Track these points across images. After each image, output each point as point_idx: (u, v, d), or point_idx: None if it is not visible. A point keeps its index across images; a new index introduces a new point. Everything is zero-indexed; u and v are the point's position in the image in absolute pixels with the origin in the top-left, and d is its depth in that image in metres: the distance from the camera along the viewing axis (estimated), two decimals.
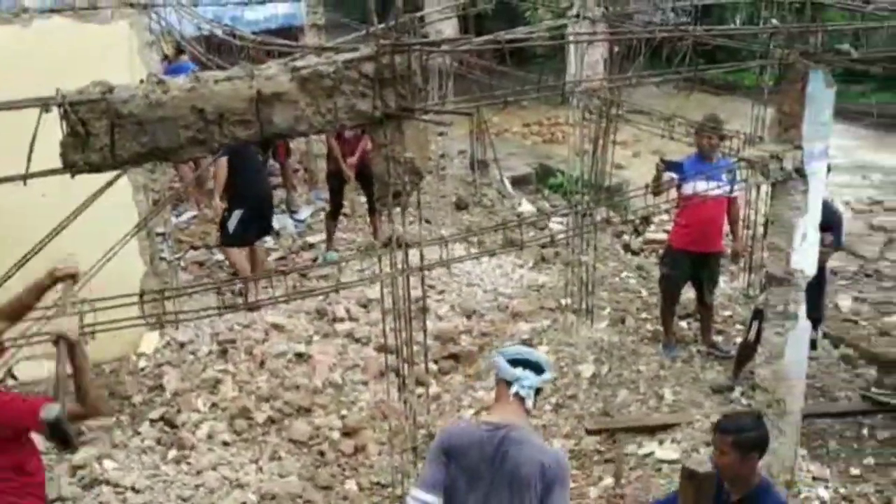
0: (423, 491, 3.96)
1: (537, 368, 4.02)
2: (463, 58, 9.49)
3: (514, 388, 3.98)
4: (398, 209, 4.69)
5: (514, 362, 4.03)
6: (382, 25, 4.19)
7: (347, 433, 7.32)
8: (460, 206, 11.91)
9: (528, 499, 3.83)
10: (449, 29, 9.55)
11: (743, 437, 4.35)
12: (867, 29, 6.23)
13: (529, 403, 4.01)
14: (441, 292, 9.30)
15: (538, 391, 4.06)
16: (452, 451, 3.96)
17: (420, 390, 7.17)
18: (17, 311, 4.56)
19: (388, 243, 4.65)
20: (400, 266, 4.88)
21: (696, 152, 8.11)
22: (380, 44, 4.13)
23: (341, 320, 8.75)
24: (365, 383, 8.01)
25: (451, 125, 12.29)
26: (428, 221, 10.78)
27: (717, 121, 8.13)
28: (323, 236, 10.51)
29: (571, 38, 7.22)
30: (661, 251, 10.41)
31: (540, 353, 4.31)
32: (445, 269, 9.35)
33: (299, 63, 4.10)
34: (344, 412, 7.58)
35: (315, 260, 10.19)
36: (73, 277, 4.56)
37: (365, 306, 8.95)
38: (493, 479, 3.88)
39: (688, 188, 7.70)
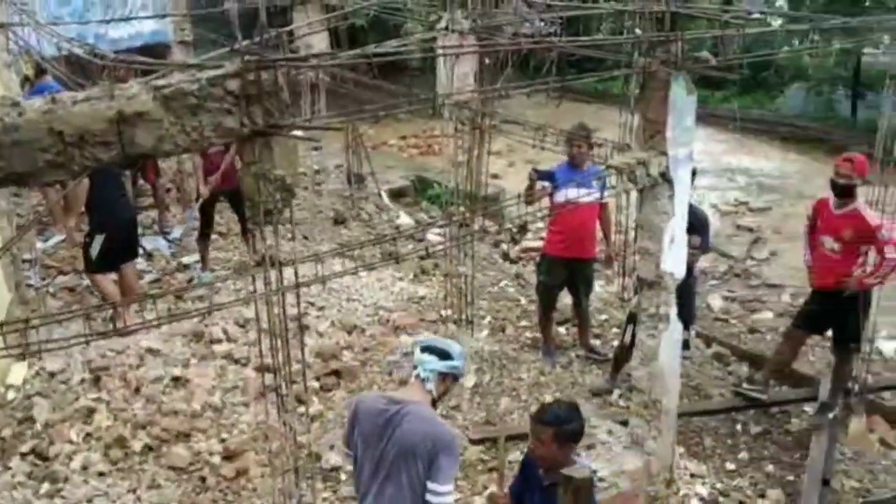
0: (344, 445, 4.62)
1: (442, 354, 4.38)
2: (335, 72, 9.42)
3: (416, 370, 4.42)
4: (271, 227, 4.61)
5: (424, 349, 4.45)
6: (248, 42, 4.13)
7: (228, 457, 7.14)
8: (338, 220, 11.84)
9: (414, 467, 4.17)
10: (320, 43, 9.46)
11: (563, 428, 4.51)
12: (725, 36, 6.44)
13: (430, 385, 4.37)
14: (321, 309, 9.20)
15: (448, 376, 4.43)
16: (356, 417, 4.43)
17: (302, 409, 7.09)
18: None
19: (261, 262, 4.56)
20: (274, 285, 4.80)
21: (567, 161, 8.26)
22: (245, 60, 4.06)
23: (219, 341, 8.55)
24: (245, 405, 7.84)
25: (322, 140, 12.21)
26: (305, 237, 10.67)
27: (587, 129, 8.30)
28: (197, 256, 10.28)
29: (440, 51, 7.25)
30: (538, 259, 10.57)
31: (453, 343, 4.56)
32: (324, 286, 9.26)
33: (162, 81, 3.99)
34: (224, 435, 7.41)
35: (190, 281, 9.96)
36: None
37: (243, 326, 8.78)
38: (384, 447, 4.24)
39: (560, 196, 7.84)
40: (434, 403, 4.46)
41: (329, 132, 8.62)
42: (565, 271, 8.46)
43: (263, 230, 4.59)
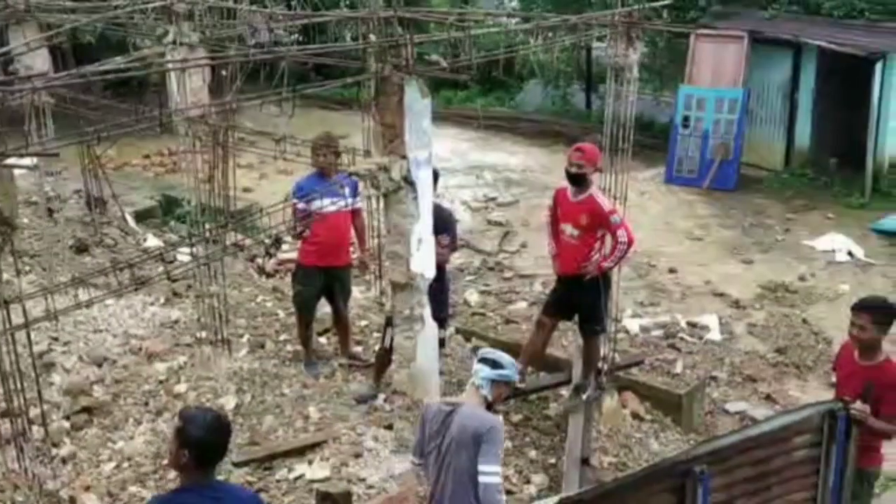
0: (413, 455, 5.40)
1: (494, 364, 5.12)
2: (62, 93, 8.91)
3: (472, 378, 5.18)
4: None
5: (480, 360, 5.22)
6: None
7: None
8: (80, 248, 11.20)
9: (466, 453, 4.93)
10: (41, 64, 8.94)
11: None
12: (457, 38, 6.58)
13: (484, 391, 5.09)
14: (66, 343, 8.68)
15: (500, 383, 5.13)
16: (424, 420, 5.26)
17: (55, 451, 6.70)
18: None
19: None
20: (1, 325, 4.48)
21: (315, 170, 8.20)
22: None
23: None
24: None
25: (56, 165, 11.59)
26: (44, 269, 10.05)
27: (331, 138, 8.27)
28: None
29: (170, 65, 7.01)
30: (294, 270, 10.45)
31: (503, 355, 5.26)
32: (70, 319, 8.75)
33: None
34: None
35: None
36: None
37: None
38: (443, 440, 5.07)
39: (310, 206, 7.80)
40: (489, 406, 5.14)
41: (64, 156, 8.17)
42: (322, 280, 8.40)
43: None
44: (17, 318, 5.44)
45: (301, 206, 7.92)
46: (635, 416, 8.71)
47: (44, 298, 5.02)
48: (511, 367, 5.20)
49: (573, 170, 7.55)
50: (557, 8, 17.93)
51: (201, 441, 4.07)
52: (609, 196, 7.88)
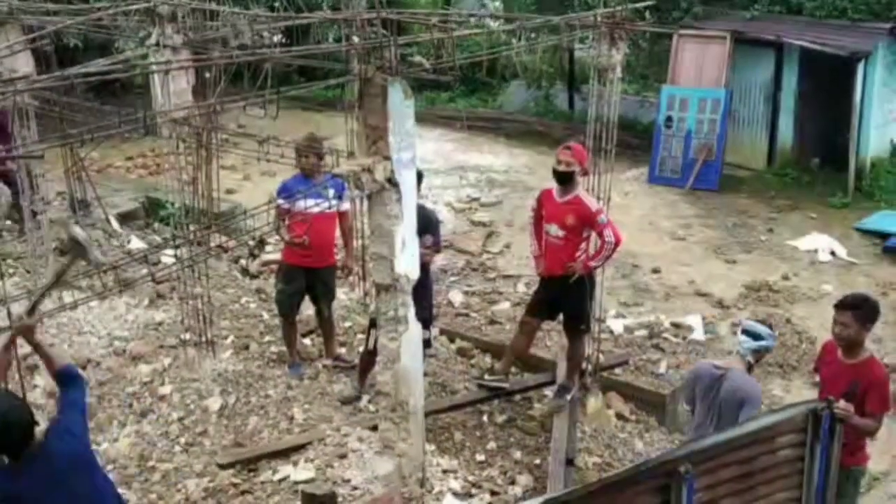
0: (686, 404, 6.73)
1: (755, 336, 6.08)
2: (46, 96, 8.87)
3: (736, 347, 6.27)
4: None
5: (743, 331, 6.19)
6: None
7: None
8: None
9: (732, 415, 5.85)
10: (24, 66, 8.87)
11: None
12: (439, 39, 6.58)
13: (748, 359, 6.12)
14: (50, 346, 8.64)
15: (760, 351, 6.14)
16: (696, 379, 6.38)
17: None
18: None
19: None
20: None
21: (300, 172, 8.19)
22: None
23: None
24: None
25: (40, 167, 11.51)
26: (28, 272, 10.00)
27: (316, 140, 8.26)
28: None
29: (153, 67, 7.00)
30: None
31: (762, 327, 6.20)
32: (53, 321, 8.72)
33: None
34: None
35: None
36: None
37: None
38: (712, 402, 6.10)
39: (294, 207, 7.81)
40: (750, 369, 6.15)
41: (48, 158, 8.12)
42: (304, 279, 8.39)
43: None
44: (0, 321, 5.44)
45: (285, 206, 7.92)
46: (620, 416, 8.75)
47: (28, 301, 5.00)
48: (769, 337, 6.13)
49: (561, 167, 7.56)
50: (540, 10, 17.92)
51: None
52: (593, 195, 7.91)
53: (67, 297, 8.24)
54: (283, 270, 8.58)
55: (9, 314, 5.17)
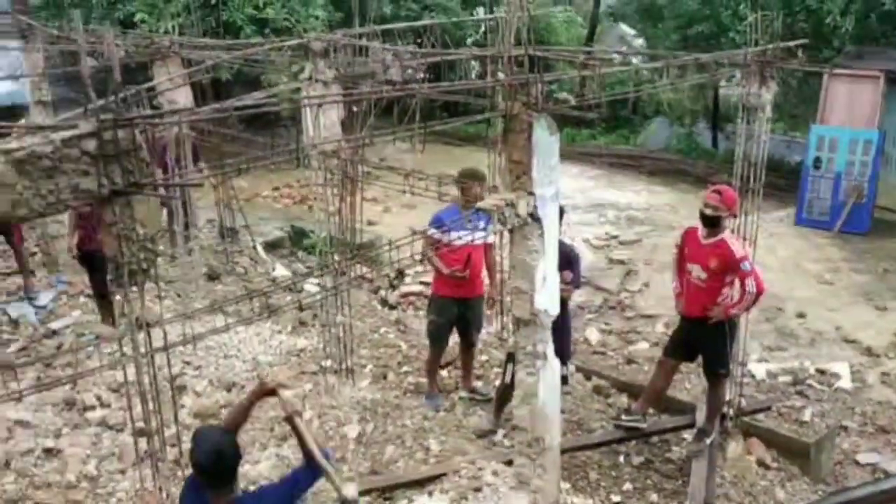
0: None
1: None
2: (202, 127, 9.29)
3: None
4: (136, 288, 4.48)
5: None
6: (103, 101, 4.03)
7: None
8: (212, 276, 11.61)
9: None
10: (183, 98, 9.34)
11: None
12: (584, 77, 6.61)
13: None
14: (198, 368, 8.99)
15: None
16: None
17: (180, 473, 6.86)
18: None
19: (113, 324, 4.45)
20: (143, 347, 4.67)
21: (454, 203, 8.22)
22: (100, 119, 3.97)
23: (92, 408, 8.26)
24: (123, 472, 7.58)
25: (194, 195, 12.02)
26: (179, 295, 10.43)
27: (478, 172, 8.30)
28: (66, 321, 9.92)
29: (305, 101, 7.24)
30: (417, 303, 10.57)
31: None
32: (194, 346, 9.05)
33: (13, 144, 3.87)
34: None
35: (59, 347, 9.59)
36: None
37: (116, 391, 8.50)
38: None
39: (452, 238, 7.83)
40: None
41: (201, 187, 8.50)
42: (455, 310, 8.45)
43: (128, 292, 4.46)
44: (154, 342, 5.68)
45: (437, 235, 7.99)
46: (761, 463, 8.48)
47: (180, 323, 5.21)
48: None
49: (708, 211, 7.41)
50: (685, 47, 17.75)
51: (196, 465, 4.43)
52: (738, 236, 7.73)
53: (219, 321, 8.58)
54: (435, 302, 8.64)
55: (164, 336, 5.40)
